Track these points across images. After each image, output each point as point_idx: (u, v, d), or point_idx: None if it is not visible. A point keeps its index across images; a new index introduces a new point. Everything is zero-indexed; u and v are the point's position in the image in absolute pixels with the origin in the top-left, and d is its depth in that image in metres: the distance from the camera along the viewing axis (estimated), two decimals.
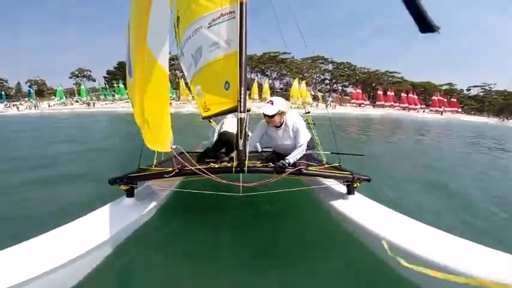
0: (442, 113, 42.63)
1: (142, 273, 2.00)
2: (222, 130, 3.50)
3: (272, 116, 2.61)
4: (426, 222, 2.19)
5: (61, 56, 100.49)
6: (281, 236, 2.58)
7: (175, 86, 42.98)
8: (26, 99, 45.26)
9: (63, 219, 2.19)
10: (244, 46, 2.60)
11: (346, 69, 58.76)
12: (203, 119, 3.22)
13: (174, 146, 2.33)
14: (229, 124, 3.51)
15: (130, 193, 2.64)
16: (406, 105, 44.19)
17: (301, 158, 2.70)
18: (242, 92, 2.55)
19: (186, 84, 37.71)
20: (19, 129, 14.33)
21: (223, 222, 2.80)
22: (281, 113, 2.65)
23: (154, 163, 3.03)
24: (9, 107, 37.75)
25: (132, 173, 2.72)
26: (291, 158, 2.55)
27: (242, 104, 2.54)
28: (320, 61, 58.50)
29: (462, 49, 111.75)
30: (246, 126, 2.54)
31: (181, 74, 49.16)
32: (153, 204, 2.75)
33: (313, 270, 2.06)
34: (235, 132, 3.06)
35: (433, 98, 45.52)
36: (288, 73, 56.54)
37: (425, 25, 0.70)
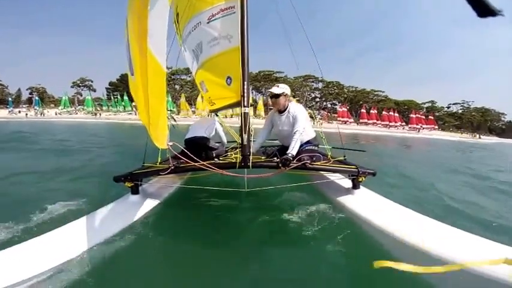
0: (419, 130, 41.42)
1: (147, 268, 1.91)
2: (187, 136, 3.06)
3: (278, 96, 2.60)
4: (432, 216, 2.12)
5: (60, 65, 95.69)
6: (286, 230, 2.45)
7: (174, 100, 42.27)
8: (26, 105, 44.42)
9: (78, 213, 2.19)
10: (246, 41, 2.43)
11: (335, 87, 59.89)
12: (210, 112, 3.08)
13: (171, 143, 2.20)
14: (194, 129, 3.12)
15: (135, 190, 2.56)
16: (387, 122, 43.77)
17: (304, 152, 2.55)
18: (245, 87, 2.37)
19: (186, 98, 37.85)
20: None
21: (228, 218, 2.67)
22: (285, 95, 2.64)
23: (159, 160, 2.86)
24: (14, 113, 36.03)
25: (136, 171, 2.59)
26: (292, 150, 2.41)
27: (245, 98, 2.35)
28: (311, 80, 59.52)
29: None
30: (249, 121, 2.35)
31: (180, 88, 48.90)
32: (158, 201, 2.66)
33: (319, 263, 1.96)
34: (199, 135, 2.97)
35: (411, 115, 44.63)
36: None
37: (483, 8, 0.58)
